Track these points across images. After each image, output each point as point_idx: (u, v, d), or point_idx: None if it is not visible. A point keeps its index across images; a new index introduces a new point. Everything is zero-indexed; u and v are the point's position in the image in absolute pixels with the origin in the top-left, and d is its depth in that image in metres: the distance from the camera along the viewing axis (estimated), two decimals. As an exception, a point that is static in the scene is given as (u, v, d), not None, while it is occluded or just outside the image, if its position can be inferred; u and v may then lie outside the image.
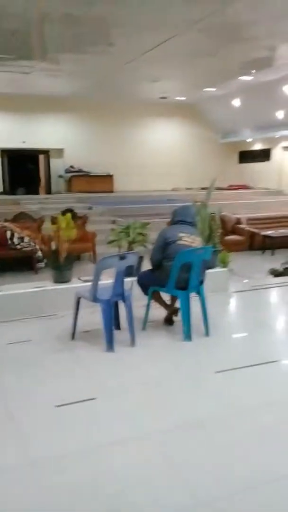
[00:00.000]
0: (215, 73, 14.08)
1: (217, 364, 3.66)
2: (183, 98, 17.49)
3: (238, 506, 2.12)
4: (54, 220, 9.78)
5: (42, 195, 16.48)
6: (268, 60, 12.55)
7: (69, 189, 17.54)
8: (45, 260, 8.60)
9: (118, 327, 4.31)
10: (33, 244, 8.76)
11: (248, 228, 10.78)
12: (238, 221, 11.09)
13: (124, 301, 4.01)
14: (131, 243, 5.30)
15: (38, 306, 4.81)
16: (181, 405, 3.04)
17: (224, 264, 6.11)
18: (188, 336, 4.12)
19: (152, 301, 4.41)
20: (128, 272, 4.09)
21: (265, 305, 5.58)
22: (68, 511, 2.10)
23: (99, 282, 3.90)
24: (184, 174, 19.17)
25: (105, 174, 17.82)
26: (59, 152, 17.63)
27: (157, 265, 4.24)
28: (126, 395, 3.20)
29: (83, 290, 4.08)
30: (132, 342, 4.01)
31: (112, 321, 3.94)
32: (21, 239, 8.75)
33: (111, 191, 17.78)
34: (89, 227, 10.13)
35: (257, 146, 19.17)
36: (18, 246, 8.68)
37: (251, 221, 11.11)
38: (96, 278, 3.86)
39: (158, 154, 18.71)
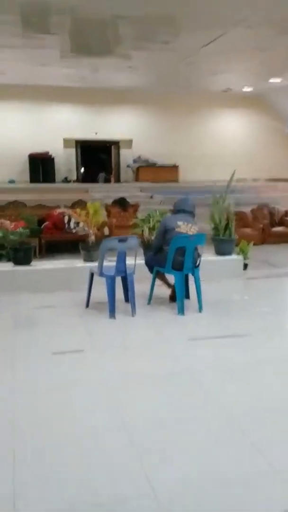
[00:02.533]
0: (277, 65, 14.15)
1: (195, 333, 4.34)
2: (250, 89, 17.60)
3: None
4: (107, 207, 10.76)
5: (110, 184, 17.55)
6: None
7: (136, 179, 18.45)
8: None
9: (127, 299, 5.08)
10: (87, 229, 9.76)
11: (297, 220, 10.97)
12: (287, 213, 11.30)
13: (126, 277, 4.78)
14: (151, 229, 6.03)
15: (67, 281, 5.70)
16: (148, 361, 3.78)
17: (244, 253, 6.65)
18: (181, 310, 4.81)
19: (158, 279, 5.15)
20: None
21: (266, 291, 6.05)
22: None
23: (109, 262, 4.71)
24: (249, 165, 19.28)
25: (170, 165, 18.50)
26: (128, 143, 18.57)
27: (159, 249, 4.95)
28: (109, 350, 4.00)
29: (96, 267, 4.91)
30: (133, 313, 4.78)
31: (114, 293, 4.72)
32: (77, 224, 9.78)
33: (176, 181, 18.41)
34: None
35: None
36: (74, 230, 9.72)
37: (301, 213, 11.26)
38: (102, 256, 4.68)
39: (224, 145, 19.00)
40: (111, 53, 12.93)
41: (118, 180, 18.65)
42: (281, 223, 11.14)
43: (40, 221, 9.59)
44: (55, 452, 2.56)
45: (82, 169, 18.60)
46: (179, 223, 4.88)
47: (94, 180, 18.03)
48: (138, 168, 18.41)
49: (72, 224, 9.88)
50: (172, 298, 5.23)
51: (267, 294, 5.88)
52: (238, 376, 3.51)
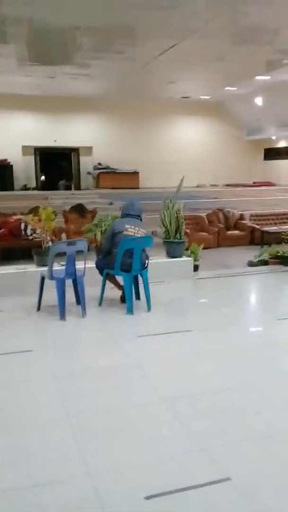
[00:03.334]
0: (232, 74, 14.65)
1: (143, 331, 4.53)
2: (207, 97, 18.11)
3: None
4: (65, 214, 10.82)
5: (70, 191, 17.64)
6: (279, 62, 13.01)
7: (97, 185, 18.61)
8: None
9: (79, 302, 5.20)
10: (44, 235, 9.82)
11: (249, 224, 11.36)
12: (241, 217, 11.68)
13: (76, 280, 4.91)
14: (103, 233, 6.18)
15: (19, 285, 5.77)
16: (96, 357, 3.94)
17: (194, 254, 6.90)
18: (130, 310, 4.98)
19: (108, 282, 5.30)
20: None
21: (214, 290, 6.32)
22: None
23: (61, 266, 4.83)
24: (209, 171, 19.79)
25: (131, 171, 18.77)
26: (88, 150, 18.74)
27: (108, 252, 5.11)
28: (58, 349, 4.12)
29: (46, 271, 5.02)
30: (83, 314, 4.91)
31: (64, 296, 4.84)
32: (34, 230, 9.83)
33: (137, 187, 18.67)
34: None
35: (282, 144, 19.47)
36: (31, 237, 9.75)
37: (254, 217, 11.66)
38: (51, 260, 4.80)
39: (183, 151, 19.44)
40: (68, 62, 13.10)
41: (78, 187, 18.76)
42: (236, 226, 11.51)
43: (-2, 228, 9.59)
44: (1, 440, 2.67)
45: (43, 177, 18.63)
46: (127, 226, 5.06)
47: (54, 187, 18.09)
48: (98, 175, 18.60)
49: (28, 231, 9.93)
50: (123, 299, 5.37)
51: (214, 293, 6.14)
52: (178, 366, 3.73)
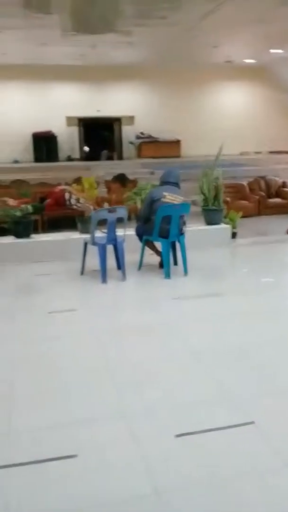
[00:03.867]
0: (278, 36, 14.15)
1: (178, 293, 4.78)
2: (252, 61, 17.58)
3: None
4: (108, 184, 11.12)
5: (112, 161, 17.81)
6: None
7: (138, 155, 18.68)
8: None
9: (119, 267, 5.50)
10: (87, 205, 10.16)
11: (292, 191, 11.25)
12: (284, 185, 11.56)
13: (116, 245, 5.19)
14: (142, 201, 6.39)
15: (64, 252, 6.11)
16: (134, 316, 4.24)
17: (232, 222, 7.02)
18: (167, 274, 5.22)
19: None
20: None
21: (251, 256, 6.46)
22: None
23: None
24: (253, 138, 19.38)
25: (173, 140, 18.66)
26: (131, 119, 18.74)
27: (146, 219, 5.34)
28: (100, 308, 4.45)
29: (88, 237, 5.32)
30: (123, 278, 5.20)
31: (105, 260, 5.14)
32: (77, 200, 10.18)
33: (179, 156, 18.59)
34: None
35: None
36: (74, 206, 10.11)
37: (298, 184, 11.53)
38: (93, 226, 5.09)
39: (227, 118, 19.06)
40: (111, 30, 13.07)
41: (120, 157, 18.91)
42: (277, 194, 11.42)
43: (43, 199, 9.98)
44: (46, 383, 3.03)
45: (87, 148, 18.87)
46: (165, 193, 5.25)
47: (97, 158, 18.32)
48: (140, 145, 18.63)
49: (73, 201, 10.29)
50: (161, 264, 5.61)
51: (250, 259, 6.28)
52: (209, 325, 3.98)
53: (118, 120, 18.84)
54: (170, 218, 5.15)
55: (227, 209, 7.12)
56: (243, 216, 10.37)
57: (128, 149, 18.98)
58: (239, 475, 2.22)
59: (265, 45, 15.23)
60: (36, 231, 9.06)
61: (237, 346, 3.56)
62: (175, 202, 5.22)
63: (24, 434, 2.55)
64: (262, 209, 10.96)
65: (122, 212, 5.22)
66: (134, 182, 11.23)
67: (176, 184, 5.38)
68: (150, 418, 2.67)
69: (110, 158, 18.71)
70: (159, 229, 5.18)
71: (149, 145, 18.61)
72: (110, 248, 5.32)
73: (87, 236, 5.48)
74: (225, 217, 6.93)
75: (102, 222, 5.27)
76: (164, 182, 5.39)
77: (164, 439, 2.48)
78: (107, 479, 2.20)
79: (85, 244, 5.36)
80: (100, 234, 5.47)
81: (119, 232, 5.32)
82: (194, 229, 6.76)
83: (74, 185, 6.52)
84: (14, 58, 14.81)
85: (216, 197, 6.72)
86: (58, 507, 2.05)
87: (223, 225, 6.81)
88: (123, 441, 2.48)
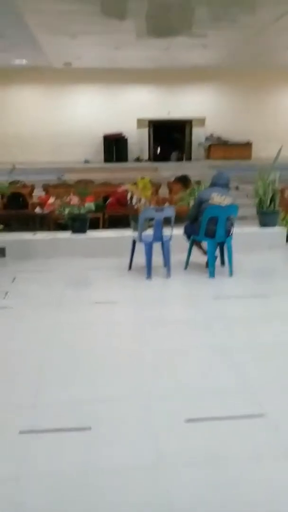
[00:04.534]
0: None
1: (219, 293, 4.86)
2: None
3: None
4: (170, 185, 11.30)
5: (179, 163, 17.98)
6: None
7: (207, 157, 18.69)
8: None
9: (165, 264, 5.67)
10: (148, 204, 10.42)
11: None
12: None
13: (162, 243, 5.37)
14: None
15: (117, 248, 6.37)
16: (171, 311, 4.41)
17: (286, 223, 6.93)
18: (212, 274, 5.31)
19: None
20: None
21: None
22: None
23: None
24: None
25: (243, 142, 18.47)
26: (201, 121, 18.81)
27: (195, 219, 5.46)
28: (140, 302, 4.66)
29: (137, 235, 5.54)
30: (168, 275, 5.37)
31: (151, 257, 5.33)
32: (139, 200, 10.46)
33: (249, 158, 18.37)
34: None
35: None
36: (135, 206, 10.40)
37: None
38: (141, 224, 5.30)
39: (300, 121, 18.57)
40: (184, 33, 13.24)
41: (189, 158, 19.03)
42: None
43: (106, 198, 10.38)
44: (78, 364, 3.29)
45: (158, 149, 19.20)
46: (213, 195, 5.34)
47: (166, 159, 18.58)
48: (209, 146, 18.64)
49: (134, 200, 10.59)
50: (208, 264, 5.72)
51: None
52: (242, 324, 4.06)
53: (189, 122, 18.98)
54: (217, 219, 5.24)
55: (285, 211, 7.03)
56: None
57: (197, 151, 19.06)
58: (241, 458, 2.34)
59: None
60: (97, 228, 9.50)
61: (269, 345, 3.61)
62: (223, 204, 5.30)
63: (50, 406, 2.82)
64: None
65: (169, 211, 5.39)
66: (197, 184, 11.33)
67: (226, 186, 5.46)
68: (165, 401, 2.84)
69: (180, 159, 18.90)
70: (206, 229, 5.28)
71: (219, 147, 18.57)
72: (158, 246, 5.51)
73: (136, 234, 5.70)
74: (282, 219, 6.85)
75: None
76: (214, 184, 5.49)
77: (175, 421, 2.64)
78: (115, 450, 2.41)
79: (134, 242, 5.59)
80: (149, 232, 5.67)
81: (167, 231, 5.48)
82: (248, 231, 6.77)
83: (128, 185, 6.74)
84: (88, 62, 15.42)
85: (272, 199, 6.67)
86: (66, 469, 2.29)
87: (278, 228, 6.74)
88: (137, 419, 2.67)
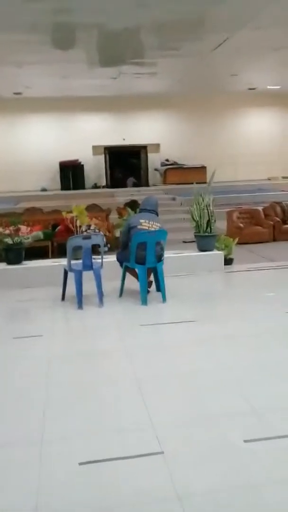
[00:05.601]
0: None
1: (147, 320, 4.77)
2: (277, 87, 17.56)
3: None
4: (119, 210, 11.25)
5: (136, 188, 18.07)
6: None
7: (164, 181, 18.87)
8: (108, 245, 10.09)
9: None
10: (97, 231, 10.34)
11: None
12: (299, 210, 11.34)
13: (93, 271, 5.26)
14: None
15: (55, 278, 6.21)
16: (90, 342, 4.29)
17: (227, 247, 6.95)
18: (144, 301, 5.22)
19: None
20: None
21: (238, 283, 6.37)
22: None
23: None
24: (281, 163, 19.23)
25: (198, 166, 18.75)
26: (156, 146, 19.06)
27: (125, 245, 5.39)
28: (63, 335, 4.51)
29: (68, 264, 5.41)
30: (100, 304, 5.25)
31: (81, 287, 5.20)
32: (88, 226, 10.38)
33: (204, 182, 18.60)
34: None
35: None
36: (85, 233, 10.31)
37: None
38: (69, 253, 5.19)
39: (252, 144, 19.04)
40: (132, 62, 13.47)
41: (146, 183, 19.16)
42: (291, 220, 11.20)
43: (55, 226, 10.26)
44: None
45: (119, 174, 19.30)
46: (141, 220, 5.30)
47: (124, 185, 18.66)
48: (165, 171, 18.83)
49: (84, 227, 10.49)
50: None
51: (235, 286, 6.19)
52: (159, 352, 3.99)
53: (144, 148, 19.19)
54: (146, 244, 5.18)
55: (239, 235, 7.06)
56: (257, 242, 10.29)
57: (154, 176, 19.23)
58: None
59: (286, 71, 15.19)
60: (46, 256, 9.33)
61: (183, 374, 3.51)
62: (152, 229, 5.25)
63: None
64: (277, 235, 10.79)
65: (97, 239, 5.31)
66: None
67: (153, 212, 5.43)
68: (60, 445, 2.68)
69: (136, 185, 19.00)
70: (136, 255, 5.21)
71: (175, 171, 18.77)
72: (91, 275, 5.38)
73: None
74: (217, 241, 6.87)
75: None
76: (142, 209, 5.46)
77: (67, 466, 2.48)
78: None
79: (65, 271, 5.46)
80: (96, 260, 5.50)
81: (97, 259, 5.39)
82: (187, 254, 6.76)
83: (64, 212, 6.65)
84: (38, 91, 15.47)
85: (208, 222, 6.69)
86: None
87: (215, 252, 6.75)
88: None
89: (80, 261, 5.34)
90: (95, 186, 18.30)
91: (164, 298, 5.30)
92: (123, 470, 2.46)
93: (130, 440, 2.72)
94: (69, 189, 17.65)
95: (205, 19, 9.66)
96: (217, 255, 6.71)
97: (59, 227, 10.31)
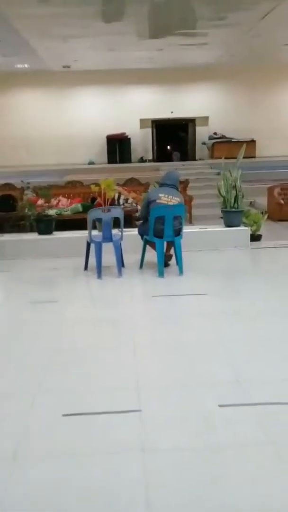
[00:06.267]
0: None
1: (159, 292, 4.92)
2: None
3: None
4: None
5: (181, 162, 17.96)
6: None
7: (212, 156, 18.61)
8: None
9: (122, 264, 5.76)
10: (135, 205, 10.50)
11: None
12: None
13: (112, 243, 5.45)
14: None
15: (80, 248, 6.47)
16: (102, 310, 4.51)
17: (256, 224, 6.92)
18: (161, 273, 5.37)
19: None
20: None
21: (261, 259, 6.33)
22: None
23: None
24: None
25: (247, 140, 18.29)
26: (205, 120, 18.76)
27: (145, 219, 5.53)
28: (76, 302, 4.76)
29: (88, 235, 5.62)
30: (119, 274, 5.45)
31: (101, 257, 5.41)
32: (126, 200, 10.55)
33: (253, 156, 18.20)
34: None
35: None
36: (122, 206, 10.50)
37: None
38: (90, 224, 5.41)
39: (305, 117, 18.31)
40: (182, 32, 13.24)
41: (193, 157, 18.98)
42: None
43: (94, 199, 10.50)
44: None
45: (168, 147, 19.24)
46: (160, 195, 5.40)
47: (170, 158, 18.60)
48: (213, 145, 18.55)
49: (121, 201, 10.69)
50: (166, 263, 5.76)
51: (256, 262, 6.17)
52: (164, 322, 4.17)
53: (192, 121, 18.95)
54: (164, 218, 5.29)
55: (279, 211, 7.02)
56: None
57: (201, 150, 19.00)
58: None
59: None
60: (85, 228, 9.62)
61: (178, 342, 3.67)
62: (170, 203, 5.35)
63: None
64: None
65: (116, 212, 5.47)
66: (185, 183, 11.37)
67: (173, 186, 5.51)
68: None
69: (182, 159, 18.87)
70: (154, 229, 5.34)
71: (223, 145, 18.41)
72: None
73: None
74: (246, 217, 6.84)
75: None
76: (162, 184, 5.55)
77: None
78: None
79: (88, 242, 5.69)
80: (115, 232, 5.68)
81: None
82: (211, 230, 6.80)
83: (92, 185, 6.83)
84: (86, 64, 15.58)
85: (235, 198, 6.67)
86: None
87: (242, 227, 6.74)
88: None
89: (101, 233, 5.54)
90: (142, 160, 18.36)
91: (181, 271, 5.42)
92: (101, 423, 2.68)
93: (114, 398, 2.93)
94: (115, 162, 17.84)
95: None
96: (243, 231, 6.70)
97: (97, 200, 10.55)
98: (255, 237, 6.89)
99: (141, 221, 5.69)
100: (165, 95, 18.14)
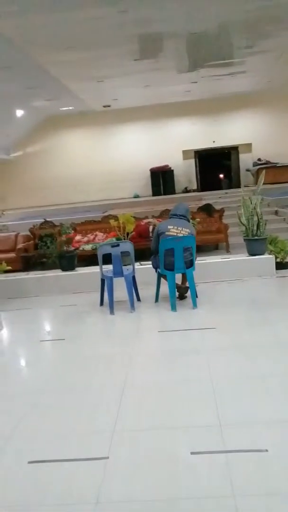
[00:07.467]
0: None
1: (168, 326, 4.78)
2: None
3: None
4: (193, 214, 11.16)
5: (223, 190, 17.77)
6: None
7: (256, 182, 18.26)
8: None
9: (138, 299, 5.69)
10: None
11: None
12: None
13: (124, 277, 5.40)
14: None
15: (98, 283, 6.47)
16: (105, 347, 4.43)
17: (283, 251, 6.63)
18: (173, 307, 5.22)
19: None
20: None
21: (283, 290, 5.97)
22: None
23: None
24: None
25: (292, 164, 17.86)
26: (247, 147, 18.57)
27: (156, 252, 5.45)
28: (83, 339, 4.71)
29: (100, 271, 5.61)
30: (132, 309, 5.37)
31: (112, 292, 5.37)
32: (160, 232, 10.53)
33: (300, 180, 17.68)
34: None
35: None
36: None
37: None
38: (100, 261, 5.40)
39: None
40: (220, 63, 13.33)
41: (238, 184, 18.73)
42: None
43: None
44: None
45: (221, 176, 19.24)
46: (169, 227, 5.31)
47: (214, 187, 18.47)
48: (257, 171, 18.24)
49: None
50: (180, 296, 5.62)
51: (279, 292, 5.84)
52: (156, 359, 4.04)
53: (234, 148, 18.82)
54: (173, 250, 5.19)
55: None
56: None
57: (246, 176, 18.76)
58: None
59: None
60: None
61: (165, 381, 3.51)
62: (180, 235, 5.24)
63: None
64: None
65: (126, 246, 5.43)
66: (221, 212, 11.17)
67: (183, 217, 5.41)
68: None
69: (230, 186, 18.72)
70: (164, 261, 5.25)
71: (267, 171, 18.06)
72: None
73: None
74: (270, 244, 6.57)
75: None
76: (171, 215, 5.46)
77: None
78: None
79: (102, 278, 5.68)
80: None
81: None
82: (234, 259, 6.58)
83: (111, 221, 6.87)
84: (126, 102, 16.03)
85: (258, 225, 6.44)
86: None
87: (266, 255, 6.47)
88: None
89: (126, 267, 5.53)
90: (186, 190, 18.39)
91: (194, 304, 5.25)
92: (63, 471, 2.58)
93: (86, 443, 2.82)
94: (160, 194, 17.98)
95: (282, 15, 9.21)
96: (268, 259, 6.42)
97: (132, 233, 10.61)
98: (283, 265, 6.58)
99: (153, 254, 5.61)
100: (206, 125, 18.22)
